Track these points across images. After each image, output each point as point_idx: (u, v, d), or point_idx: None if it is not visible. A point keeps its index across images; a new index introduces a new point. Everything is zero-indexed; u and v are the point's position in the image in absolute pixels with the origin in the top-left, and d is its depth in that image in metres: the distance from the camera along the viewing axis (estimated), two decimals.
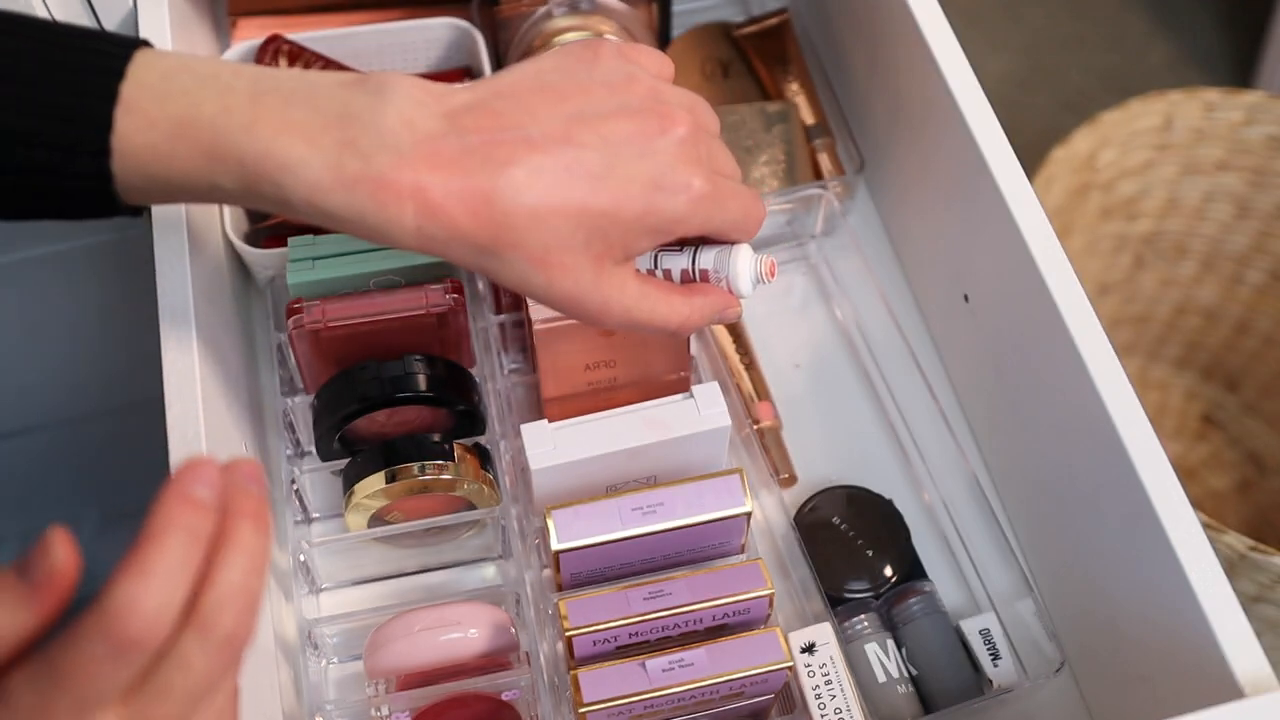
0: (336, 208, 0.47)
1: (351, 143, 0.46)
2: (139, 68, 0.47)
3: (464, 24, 0.83)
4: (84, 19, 0.77)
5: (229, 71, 0.48)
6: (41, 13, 0.74)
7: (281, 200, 0.47)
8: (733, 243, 0.54)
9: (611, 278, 0.50)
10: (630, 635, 0.59)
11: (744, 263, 0.54)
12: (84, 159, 0.46)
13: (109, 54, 0.47)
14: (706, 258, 0.54)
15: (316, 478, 0.71)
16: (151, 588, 0.34)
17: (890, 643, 0.69)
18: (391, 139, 0.46)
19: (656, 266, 0.54)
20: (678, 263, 0.54)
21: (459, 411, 0.69)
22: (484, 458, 0.70)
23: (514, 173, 0.47)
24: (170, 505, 0.35)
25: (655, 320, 0.52)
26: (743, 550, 0.65)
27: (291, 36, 0.80)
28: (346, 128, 0.46)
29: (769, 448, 0.76)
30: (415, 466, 0.67)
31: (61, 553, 0.35)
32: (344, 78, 0.49)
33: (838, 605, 0.71)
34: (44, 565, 0.35)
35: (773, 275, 0.54)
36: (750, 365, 0.80)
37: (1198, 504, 1.27)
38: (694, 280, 0.55)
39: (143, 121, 0.46)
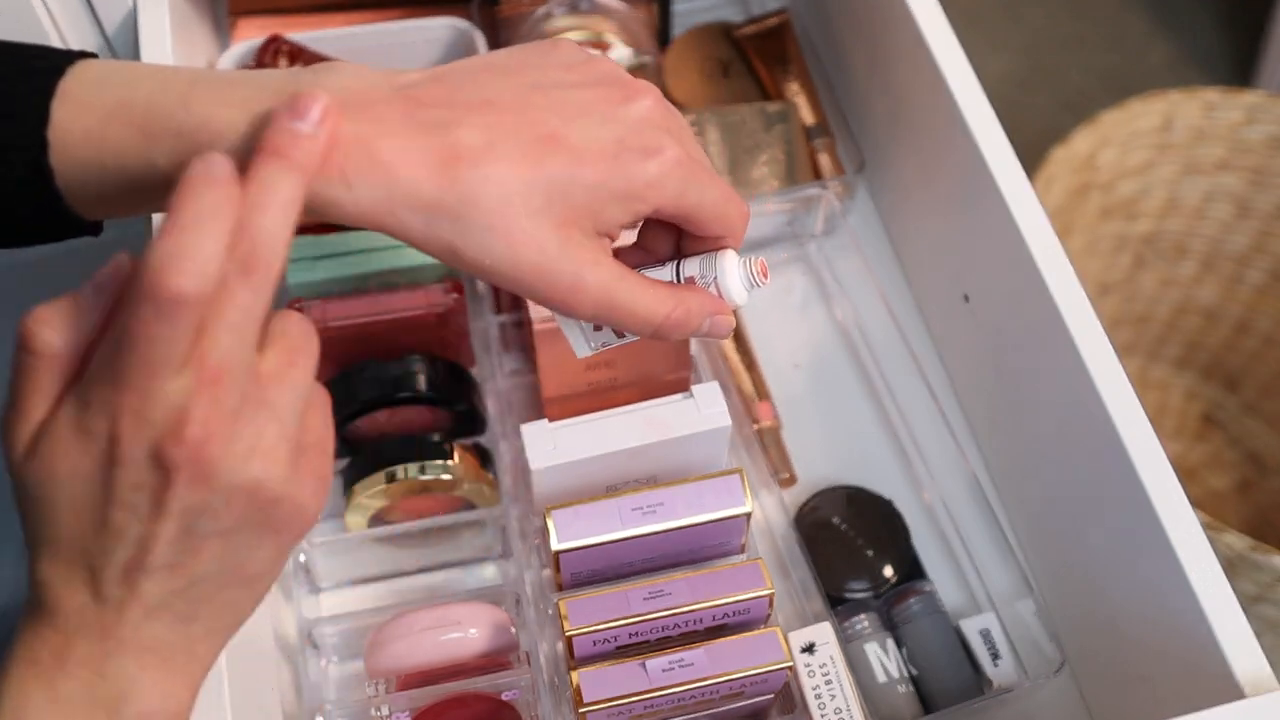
0: None
1: None
2: (79, 69, 0.46)
3: (464, 24, 0.83)
4: (84, 19, 0.77)
5: (170, 67, 0.47)
6: (41, 13, 0.74)
7: None
8: (718, 248, 0.50)
9: (581, 249, 0.45)
10: (630, 635, 0.59)
11: (732, 263, 0.49)
12: (19, 153, 0.45)
13: (52, 57, 0.47)
14: (691, 265, 0.49)
15: None
16: (183, 243, 0.35)
17: (890, 643, 0.69)
18: (335, 103, 0.43)
19: (679, 275, 0.50)
20: (661, 276, 0.49)
21: (459, 411, 0.69)
22: (484, 458, 0.70)
23: (463, 131, 0.44)
24: (191, 173, 0.37)
25: (637, 309, 0.47)
26: (743, 550, 0.65)
27: (291, 36, 0.80)
28: (280, 96, 0.44)
29: (769, 448, 0.76)
30: (415, 466, 0.67)
31: (125, 265, 0.39)
32: (291, 69, 0.47)
33: (838, 605, 0.71)
34: (110, 280, 0.39)
35: (765, 276, 0.50)
36: (750, 365, 0.80)
37: (1198, 504, 1.27)
38: None
39: (78, 108, 0.45)
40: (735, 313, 0.80)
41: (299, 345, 0.40)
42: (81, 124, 0.45)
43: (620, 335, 0.51)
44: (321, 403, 0.42)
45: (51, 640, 0.39)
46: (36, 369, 0.39)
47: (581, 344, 0.51)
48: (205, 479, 0.37)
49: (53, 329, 0.38)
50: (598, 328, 0.51)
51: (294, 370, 0.40)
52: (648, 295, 0.47)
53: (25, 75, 0.46)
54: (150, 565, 0.39)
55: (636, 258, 0.51)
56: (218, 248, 0.36)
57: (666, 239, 0.50)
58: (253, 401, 0.38)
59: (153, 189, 0.46)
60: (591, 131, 0.45)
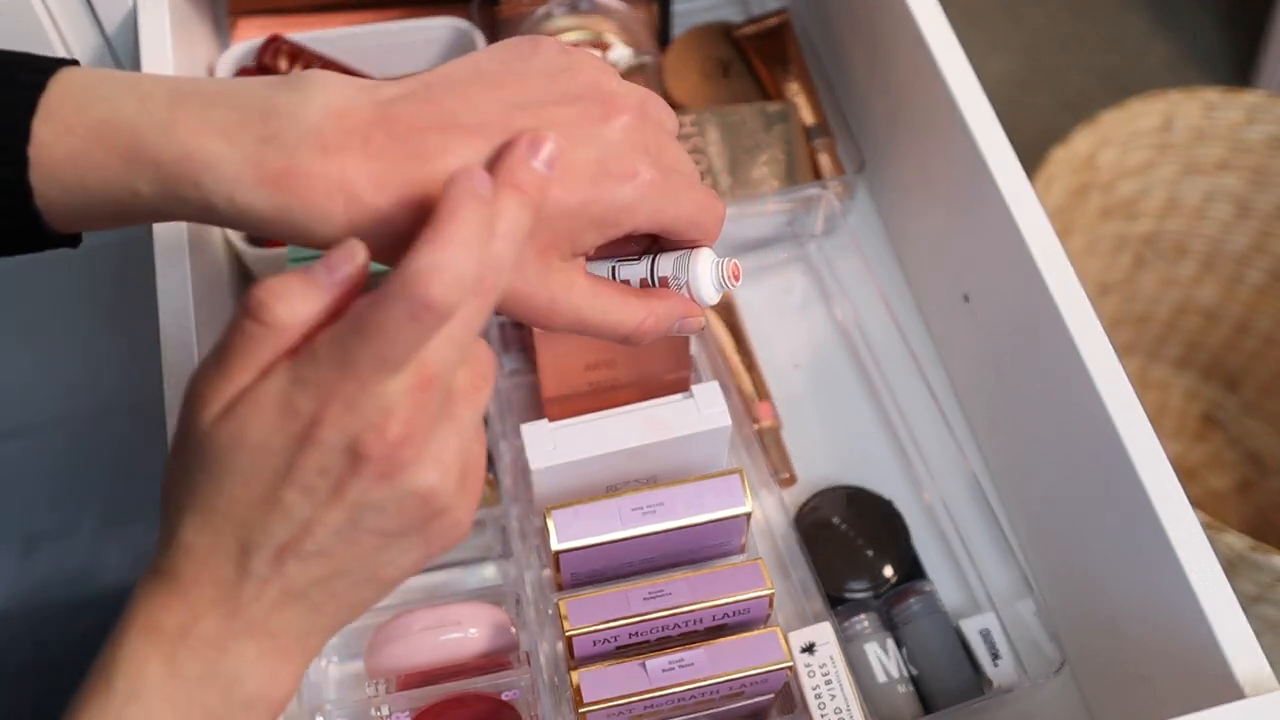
0: (261, 206, 0.44)
1: (273, 137, 0.44)
2: (60, 81, 0.46)
3: (464, 24, 0.83)
4: (84, 19, 0.77)
5: (150, 80, 0.47)
6: (41, 13, 0.74)
7: (203, 203, 0.44)
8: (692, 246, 0.50)
9: (558, 274, 0.47)
10: (630, 635, 0.59)
11: (704, 265, 0.50)
12: (1, 170, 0.45)
13: (33, 68, 0.46)
14: (665, 264, 0.50)
15: None
16: (450, 256, 0.37)
17: (890, 643, 0.69)
18: (315, 130, 0.43)
19: (614, 277, 0.51)
20: (635, 272, 0.50)
21: None
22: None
23: (448, 161, 0.44)
24: (461, 188, 0.38)
25: (608, 323, 0.49)
26: (743, 550, 0.65)
27: (291, 36, 0.80)
28: (268, 123, 0.44)
29: (769, 448, 0.76)
30: None
31: (360, 255, 0.40)
32: (270, 79, 0.47)
33: (838, 605, 0.71)
34: (343, 265, 0.39)
35: (737, 279, 0.50)
36: (750, 365, 0.80)
37: (1198, 504, 1.27)
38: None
39: (61, 127, 0.45)
40: (735, 313, 0.81)
41: (486, 371, 0.42)
42: (65, 144, 0.45)
43: None
44: (483, 430, 0.43)
45: (178, 611, 0.40)
46: (257, 338, 0.39)
47: None
48: (390, 477, 0.39)
49: (285, 303, 0.39)
50: None
51: (479, 394, 0.41)
52: (618, 308, 0.49)
53: (5, 85, 0.46)
54: (304, 550, 0.39)
55: (611, 248, 0.51)
56: (476, 266, 0.38)
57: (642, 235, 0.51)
58: (444, 415, 0.40)
59: (135, 212, 0.46)
60: (571, 156, 0.45)
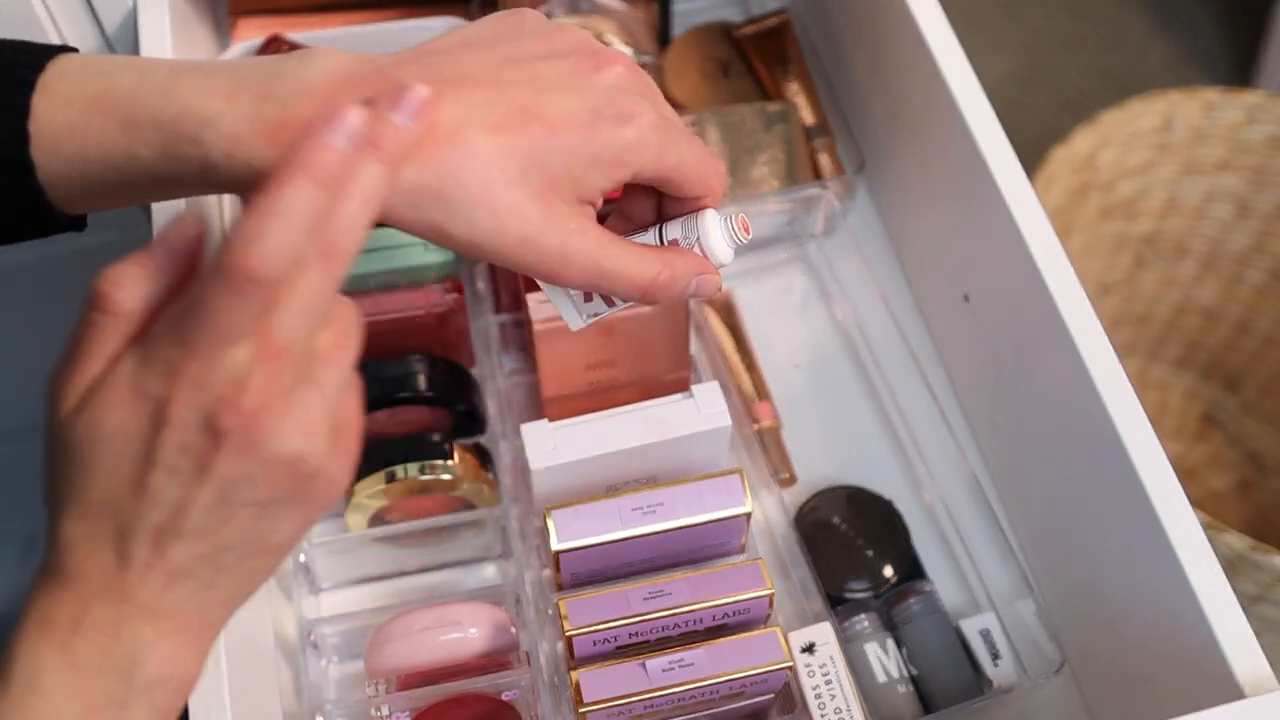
0: (259, 159, 0.45)
1: (271, 94, 0.45)
2: (59, 62, 0.47)
3: (464, 24, 0.83)
4: (84, 19, 0.77)
5: (149, 59, 0.48)
6: (41, 13, 0.74)
7: (202, 161, 0.45)
8: (697, 209, 0.50)
9: (565, 217, 0.46)
10: (630, 635, 0.59)
11: (713, 222, 0.49)
12: (0, 147, 0.46)
13: (33, 52, 0.47)
14: (673, 229, 0.50)
15: None
16: (270, 229, 0.36)
17: (890, 643, 0.69)
18: (311, 86, 0.45)
19: (663, 238, 0.51)
20: (645, 241, 0.50)
21: (459, 411, 0.69)
22: (484, 458, 0.70)
23: (441, 106, 0.44)
24: (305, 151, 0.37)
25: (626, 273, 0.47)
26: (743, 550, 0.65)
27: (291, 36, 0.80)
28: (268, 84, 0.45)
29: (769, 448, 0.76)
30: (415, 466, 0.67)
31: (193, 229, 0.40)
32: (273, 55, 0.48)
33: (838, 605, 0.71)
34: (177, 241, 0.40)
35: (748, 232, 0.50)
36: (750, 365, 0.80)
37: (1198, 504, 1.27)
38: None
39: (59, 101, 0.46)
40: (735, 313, 0.81)
41: (349, 329, 0.41)
42: (63, 117, 0.46)
43: (611, 304, 0.51)
44: (356, 386, 0.43)
45: (68, 603, 0.40)
46: (102, 327, 0.39)
47: (574, 316, 0.52)
48: (252, 448, 0.38)
49: (124, 290, 0.39)
50: (588, 298, 0.51)
51: (343, 352, 0.41)
52: (634, 258, 0.48)
53: (4, 67, 0.46)
54: (181, 530, 0.39)
55: (619, 226, 0.51)
56: (298, 236, 0.37)
57: (647, 204, 0.51)
58: (304, 378, 0.39)
59: (136, 180, 0.47)
60: (565, 103, 0.46)
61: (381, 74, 0.45)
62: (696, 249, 0.50)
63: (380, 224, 0.44)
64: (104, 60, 0.47)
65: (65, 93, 0.46)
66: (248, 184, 0.45)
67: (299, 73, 0.45)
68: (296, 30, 0.82)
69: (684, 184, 0.49)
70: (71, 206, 0.48)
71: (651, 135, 0.46)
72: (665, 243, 0.50)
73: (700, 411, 0.64)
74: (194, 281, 0.38)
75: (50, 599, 0.40)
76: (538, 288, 0.71)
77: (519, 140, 0.45)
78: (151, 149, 0.46)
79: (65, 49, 0.48)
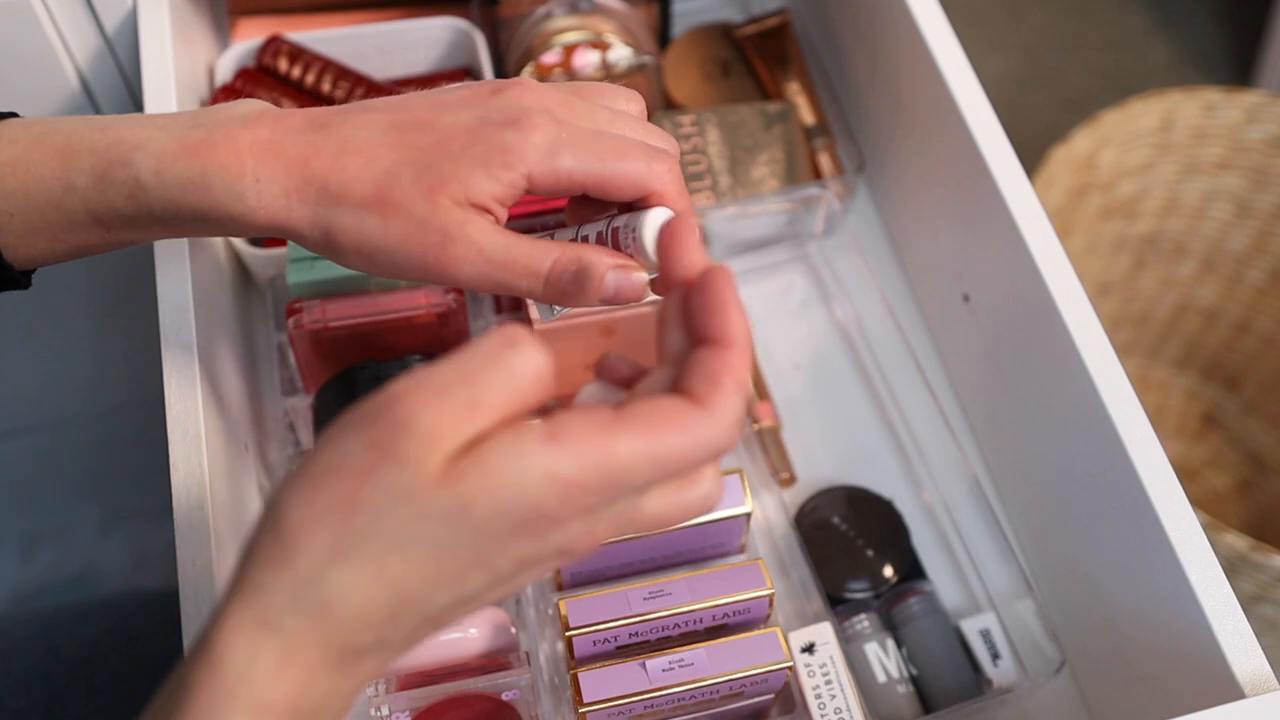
0: (182, 174, 0.48)
1: (198, 124, 0.49)
2: (7, 121, 0.51)
3: (464, 24, 0.83)
4: (84, 19, 0.77)
5: (91, 116, 0.52)
6: (41, 13, 0.74)
7: (132, 183, 0.48)
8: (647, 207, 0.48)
9: (451, 213, 0.46)
10: (630, 635, 0.59)
11: (650, 219, 0.47)
12: None
13: None
14: (620, 220, 0.48)
15: None
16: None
17: (890, 643, 0.69)
18: (237, 114, 0.49)
19: (576, 237, 0.50)
20: (594, 229, 0.49)
21: None
22: None
23: (345, 127, 0.48)
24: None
25: (518, 263, 0.47)
26: (743, 550, 0.65)
27: (291, 36, 0.80)
28: (196, 116, 0.49)
29: (769, 448, 0.76)
30: None
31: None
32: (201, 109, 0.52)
33: (838, 605, 0.71)
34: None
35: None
36: (750, 365, 0.80)
37: (1198, 504, 1.27)
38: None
39: (4, 140, 0.49)
40: None
41: None
42: (8, 153, 0.49)
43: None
44: None
45: (293, 680, 0.37)
46: (523, 386, 0.38)
47: (544, 309, 0.51)
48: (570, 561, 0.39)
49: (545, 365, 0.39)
50: None
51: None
52: (527, 247, 0.47)
53: None
54: (445, 621, 0.39)
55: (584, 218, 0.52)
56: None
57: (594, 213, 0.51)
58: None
59: (74, 214, 0.49)
60: (458, 116, 0.48)
61: (300, 110, 0.49)
62: (632, 246, 0.48)
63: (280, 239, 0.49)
64: (50, 117, 0.51)
65: (9, 134, 0.49)
66: (171, 199, 0.48)
67: (225, 110, 0.49)
68: (296, 30, 0.82)
69: (605, 188, 0.48)
70: (17, 250, 0.51)
71: (536, 138, 0.47)
72: (610, 228, 0.49)
73: None
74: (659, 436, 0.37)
75: (272, 672, 0.37)
76: None
77: (411, 148, 0.47)
78: (86, 176, 0.49)
79: (10, 114, 0.52)
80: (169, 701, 0.37)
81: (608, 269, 0.47)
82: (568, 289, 0.48)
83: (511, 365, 0.37)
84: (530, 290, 0.48)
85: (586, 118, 0.49)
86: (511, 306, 0.76)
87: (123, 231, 0.50)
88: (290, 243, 0.70)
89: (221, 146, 0.48)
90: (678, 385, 0.39)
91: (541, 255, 0.47)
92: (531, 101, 0.48)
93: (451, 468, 0.36)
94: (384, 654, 0.38)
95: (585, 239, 0.49)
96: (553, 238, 0.50)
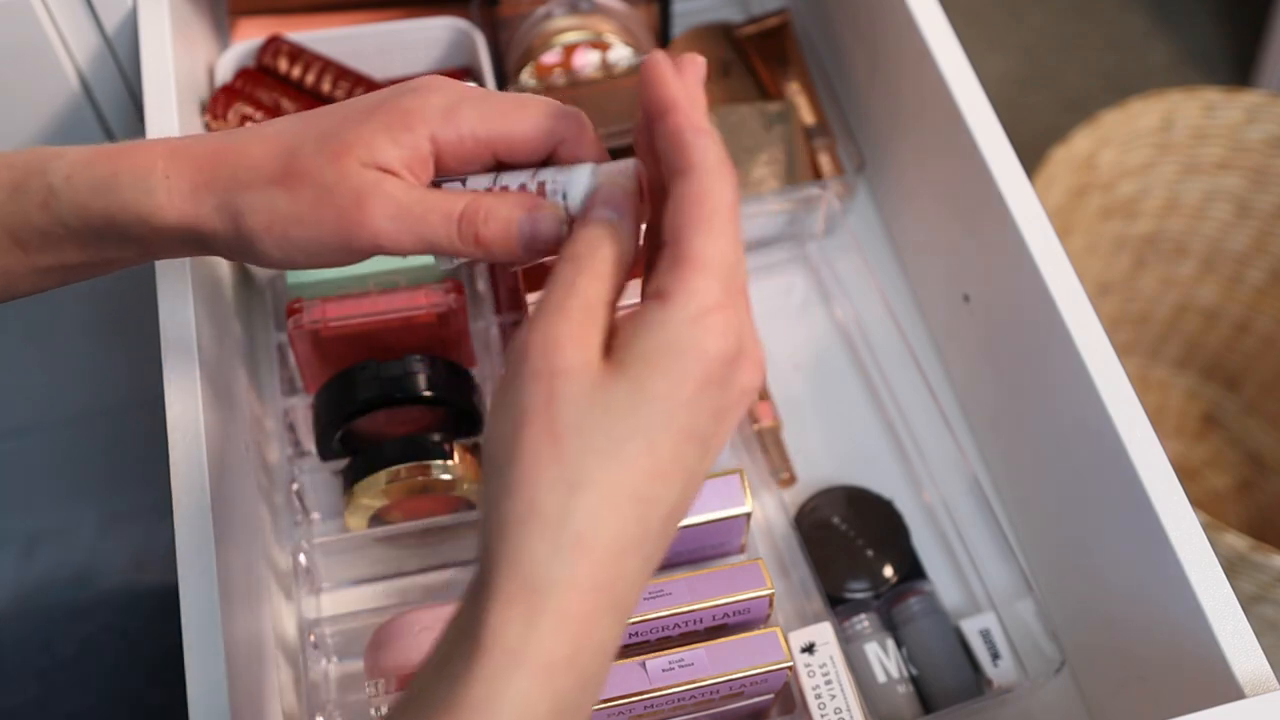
0: (93, 176, 0.48)
1: (108, 145, 0.50)
2: None
3: (464, 24, 0.83)
4: (84, 19, 0.77)
5: None
6: (41, 13, 0.74)
7: (46, 189, 0.48)
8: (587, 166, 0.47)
9: (363, 174, 0.46)
10: (630, 635, 0.59)
11: (581, 173, 0.46)
12: None
13: None
14: (546, 173, 0.47)
15: (316, 478, 0.71)
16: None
17: (890, 643, 0.69)
18: (144, 142, 0.50)
19: (494, 185, 0.48)
20: (516, 178, 0.48)
21: (459, 411, 0.69)
22: None
23: (255, 128, 0.49)
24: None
25: (434, 211, 0.46)
26: (743, 550, 0.65)
27: (291, 36, 0.80)
28: (119, 144, 0.50)
29: (769, 448, 0.76)
30: (415, 466, 0.67)
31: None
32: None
33: (838, 605, 0.71)
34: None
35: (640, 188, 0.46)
36: None
37: (1198, 504, 1.27)
38: None
39: None
40: None
41: None
42: None
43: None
44: None
45: (564, 637, 0.38)
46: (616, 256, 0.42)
47: (444, 261, 0.50)
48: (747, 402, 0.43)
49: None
50: None
51: None
52: (443, 197, 0.47)
53: None
54: (683, 510, 0.41)
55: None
56: None
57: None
58: None
59: None
60: (362, 98, 0.49)
61: (205, 142, 0.50)
62: (562, 201, 0.47)
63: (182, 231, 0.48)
64: None
65: None
66: (82, 210, 0.49)
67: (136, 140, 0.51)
68: (296, 30, 0.82)
69: (511, 145, 0.47)
70: None
71: (436, 99, 0.47)
72: (534, 181, 0.47)
73: None
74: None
75: (540, 630, 0.37)
76: (537, 288, 0.71)
77: (311, 125, 0.48)
78: (4, 190, 0.49)
79: None
80: (440, 677, 0.38)
81: (518, 210, 0.46)
82: (480, 233, 0.47)
83: (595, 267, 0.41)
84: (447, 238, 0.47)
85: (493, 92, 0.49)
86: (511, 306, 0.76)
87: (38, 253, 0.50)
88: None
89: (134, 150, 0.49)
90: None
91: (455, 202, 0.47)
92: (439, 83, 0.48)
93: (609, 360, 0.39)
94: (649, 568, 0.40)
95: (505, 189, 0.48)
96: (463, 185, 0.49)
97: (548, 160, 0.48)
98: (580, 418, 0.38)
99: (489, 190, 0.48)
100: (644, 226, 0.46)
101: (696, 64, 0.44)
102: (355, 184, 0.46)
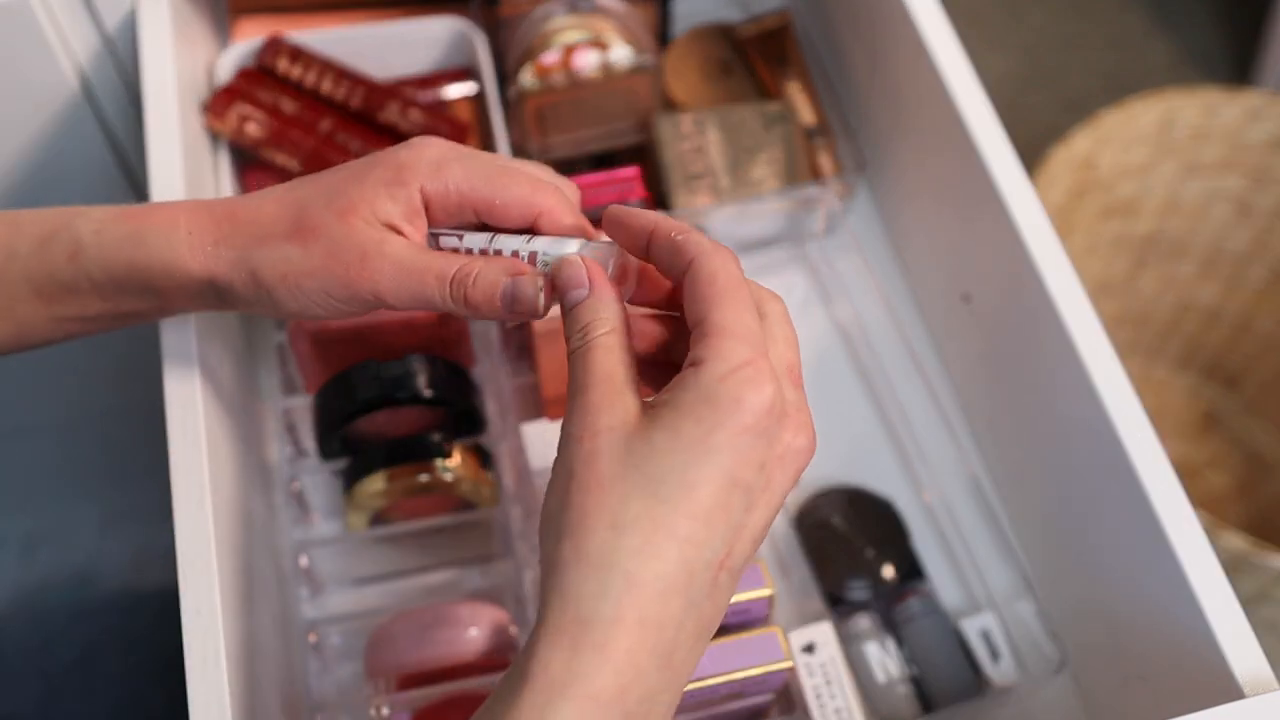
0: (120, 231, 0.52)
1: (138, 205, 0.54)
2: None
3: (464, 24, 0.83)
4: (84, 19, 0.77)
5: None
6: (41, 13, 0.74)
7: (73, 242, 0.52)
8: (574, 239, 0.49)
9: (367, 232, 0.50)
10: None
11: (570, 246, 0.48)
12: None
13: None
14: (540, 243, 0.49)
15: (316, 478, 0.71)
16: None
17: (890, 643, 0.69)
18: (161, 205, 0.53)
19: (490, 246, 0.51)
20: (510, 244, 0.50)
21: (459, 411, 0.69)
22: (484, 458, 0.70)
23: (265, 190, 0.53)
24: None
25: (430, 271, 0.49)
26: None
27: (291, 36, 0.80)
28: (140, 205, 0.54)
29: None
30: (415, 467, 0.67)
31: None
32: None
33: (838, 605, 0.71)
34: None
35: (623, 280, 0.48)
36: None
37: (1198, 504, 1.27)
38: None
39: None
40: None
41: None
42: None
43: None
44: None
45: (613, 674, 0.39)
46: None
47: None
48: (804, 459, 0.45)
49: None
50: None
51: None
52: (439, 258, 0.50)
53: None
54: (733, 562, 0.42)
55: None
56: None
57: None
58: None
59: (14, 285, 0.53)
60: (363, 158, 0.52)
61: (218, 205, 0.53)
62: (548, 272, 0.49)
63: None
64: None
65: None
66: (108, 264, 0.52)
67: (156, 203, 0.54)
68: (297, 30, 0.82)
69: (492, 208, 0.51)
70: None
71: (430, 153, 0.51)
72: (527, 250, 0.50)
73: None
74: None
75: (588, 670, 0.39)
76: None
77: (318, 184, 0.51)
78: (29, 242, 0.52)
79: None
80: (490, 709, 0.40)
81: (503, 276, 0.49)
82: (469, 294, 0.49)
83: (594, 344, 0.43)
84: (440, 298, 0.50)
85: (484, 155, 0.53)
86: None
87: (59, 304, 0.53)
88: None
89: (157, 208, 0.53)
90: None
91: (450, 263, 0.50)
92: (433, 141, 0.52)
93: (641, 414, 0.42)
94: (698, 624, 0.41)
95: (499, 251, 0.51)
96: (460, 240, 0.52)
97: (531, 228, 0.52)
98: (621, 466, 0.40)
99: (483, 251, 0.51)
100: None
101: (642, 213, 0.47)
102: (360, 240, 0.50)
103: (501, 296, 0.49)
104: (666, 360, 0.47)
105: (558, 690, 0.38)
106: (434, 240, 0.52)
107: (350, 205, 0.50)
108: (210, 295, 0.52)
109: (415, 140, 0.52)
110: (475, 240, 0.51)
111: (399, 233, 0.50)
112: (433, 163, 0.51)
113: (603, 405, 0.42)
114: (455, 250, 0.51)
